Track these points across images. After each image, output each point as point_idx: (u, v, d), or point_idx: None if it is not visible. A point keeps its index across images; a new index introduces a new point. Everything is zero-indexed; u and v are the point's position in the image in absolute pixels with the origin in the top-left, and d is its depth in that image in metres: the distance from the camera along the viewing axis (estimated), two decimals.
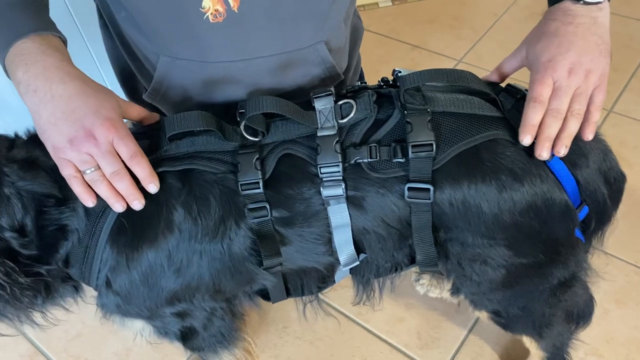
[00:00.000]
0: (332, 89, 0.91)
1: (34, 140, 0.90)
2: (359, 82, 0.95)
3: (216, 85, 1.03)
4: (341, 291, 1.55)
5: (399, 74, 0.91)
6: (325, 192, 0.87)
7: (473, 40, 2.34)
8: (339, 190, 0.87)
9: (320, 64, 1.06)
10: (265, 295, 1.12)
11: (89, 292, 1.03)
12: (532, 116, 0.83)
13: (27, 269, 0.86)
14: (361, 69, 1.35)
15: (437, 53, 2.30)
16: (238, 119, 0.92)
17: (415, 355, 1.43)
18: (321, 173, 0.87)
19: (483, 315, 1.14)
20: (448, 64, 2.23)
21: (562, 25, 0.87)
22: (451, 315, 1.50)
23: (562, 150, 0.84)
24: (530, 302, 1.04)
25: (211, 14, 0.93)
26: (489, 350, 1.43)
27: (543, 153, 0.83)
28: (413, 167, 0.84)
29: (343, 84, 1.17)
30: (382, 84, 0.94)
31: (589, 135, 0.86)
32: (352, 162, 0.86)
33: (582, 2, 0.86)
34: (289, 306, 1.55)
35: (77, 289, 0.99)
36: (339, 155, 0.86)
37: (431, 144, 0.83)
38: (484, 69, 2.09)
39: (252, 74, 1.01)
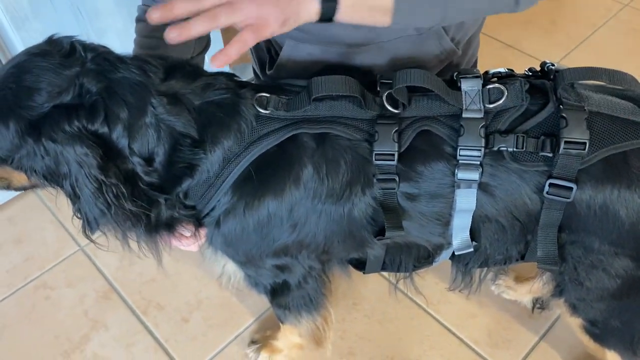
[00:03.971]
0: (479, 71, 0.90)
1: (189, 75, 0.90)
2: (506, 69, 0.93)
3: (356, 54, 1.04)
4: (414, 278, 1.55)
5: (551, 67, 0.90)
6: (460, 175, 0.87)
7: (568, 47, 2.28)
8: (475, 175, 0.86)
9: (437, 44, 1.08)
10: (357, 265, 1.13)
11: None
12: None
13: (143, 194, 0.87)
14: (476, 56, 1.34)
15: (529, 55, 2.25)
16: (378, 89, 0.92)
17: (484, 353, 1.42)
18: (460, 155, 0.86)
19: (576, 322, 1.12)
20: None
21: None
22: (524, 319, 1.48)
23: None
24: (635, 317, 1.02)
25: None
26: None
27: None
28: (560, 164, 0.83)
29: (462, 60, 1.18)
30: (529, 73, 0.93)
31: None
32: (496, 148, 0.85)
33: None
34: (360, 284, 1.56)
35: (196, 219, 0.98)
36: (483, 139, 0.85)
37: (584, 143, 0.82)
38: None
39: (374, 50, 1.02)
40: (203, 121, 0.88)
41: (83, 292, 1.60)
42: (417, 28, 1.05)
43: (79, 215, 0.88)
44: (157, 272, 1.63)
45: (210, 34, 1.20)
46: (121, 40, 1.72)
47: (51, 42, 0.86)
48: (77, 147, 0.79)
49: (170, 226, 0.94)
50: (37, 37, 0.91)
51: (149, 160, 0.86)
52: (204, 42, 1.17)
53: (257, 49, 1.27)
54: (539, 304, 1.45)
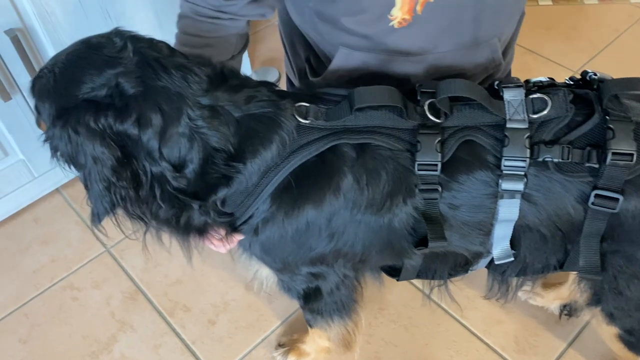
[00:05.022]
0: (522, 81, 0.90)
1: (233, 86, 0.90)
2: (547, 78, 0.94)
3: (392, 64, 1.05)
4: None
5: (593, 77, 0.90)
6: (504, 185, 0.87)
7: (591, 53, 2.28)
8: (520, 185, 0.87)
9: (489, 55, 1.07)
10: (390, 272, 1.14)
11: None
12: None
13: (174, 197, 0.89)
14: None
15: (552, 61, 2.25)
16: (418, 98, 0.92)
17: (511, 359, 1.43)
18: (504, 165, 0.86)
19: (613, 331, 1.12)
20: (563, 74, 2.18)
21: None
22: (551, 326, 1.48)
23: None
24: None
25: (398, 22, 0.97)
26: None
27: None
28: (606, 175, 0.83)
29: (500, 67, 1.19)
30: (571, 82, 0.93)
31: None
32: (541, 159, 0.86)
33: None
34: (386, 289, 1.56)
35: (231, 225, 0.99)
36: (528, 150, 0.85)
37: (632, 154, 0.82)
38: None
39: (428, 60, 1.04)
40: (243, 134, 0.88)
41: (109, 293, 1.61)
42: (475, 37, 1.06)
43: (88, 204, 0.90)
44: (184, 274, 1.64)
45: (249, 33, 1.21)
46: None
47: (113, 34, 0.88)
48: (97, 144, 0.81)
49: (202, 230, 0.95)
50: (67, 41, 0.92)
51: (179, 166, 0.87)
52: (244, 39, 1.18)
53: (295, 57, 1.28)
54: (567, 311, 1.45)
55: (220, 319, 1.54)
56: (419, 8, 0.99)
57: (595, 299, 1.04)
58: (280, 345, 1.46)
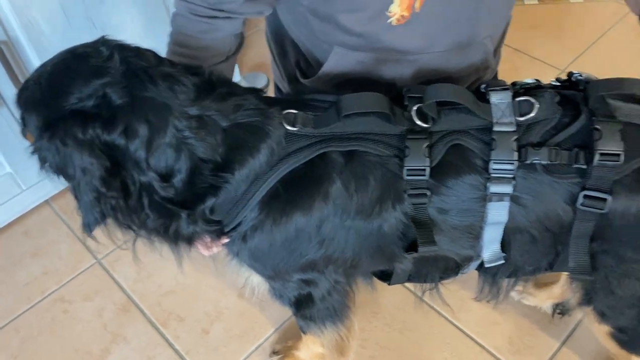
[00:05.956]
0: (508, 83, 0.90)
1: (221, 95, 0.89)
2: (533, 80, 0.94)
3: (384, 65, 1.05)
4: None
5: (579, 77, 0.90)
6: (492, 188, 0.87)
7: (577, 51, 2.29)
8: (508, 188, 0.87)
9: (482, 55, 1.07)
10: (381, 276, 1.13)
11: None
12: None
13: (162, 206, 0.88)
14: None
15: (539, 60, 2.26)
16: (406, 103, 0.92)
17: None
18: (492, 169, 0.86)
19: (603, 330, 1.13)
20: (550, 73, 2.20)
21: None
22: (544, 325, 1.48)
23: None
24: None
25: (396, 19, 0.97)
26: None
27: None
28: (594, 176, 0.83)
29: (488, 70, 1.20)
30: (557, 84, 0.93)
31: None
32: (529, 162, 0.86)
33: None
34: (379, 293, 1.56)
35: (218, 233, 0.99)
36: (515, 153, 0.85)
37: (619, 155, 0.82)
38: None
39: (424, 59, 1.03)
40: (231, 143, 0.88)
41: (101, 305, 1.60)
42: (470, 36, 1.06)
43: (79, 214, 0.89)
44: (176, 284, 1.63)
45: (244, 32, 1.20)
46: None
47: (99, 43, 0.87)
48: (85, 155, 0.81)
49: (190, 238, 0.95)
50: (52, 51, 0.91)
51: (166, 176, 0.87)
52: (239, 39, 1.17)
53: (283, 60, 1.28)
54: (560, 310, 1.45)
55: (214, 328, 1.53)
56: (417, 5, 0.99)
57: (587, 299, 1.04)
58: (274, 352, 1.45)
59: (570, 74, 0.93)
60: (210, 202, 0.91)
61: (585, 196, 0.85)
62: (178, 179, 0.87)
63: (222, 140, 0.88)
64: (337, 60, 1.09)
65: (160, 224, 0.91)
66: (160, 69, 0.87)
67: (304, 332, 1.29)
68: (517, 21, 2.46)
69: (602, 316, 1.07)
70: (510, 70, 2.21)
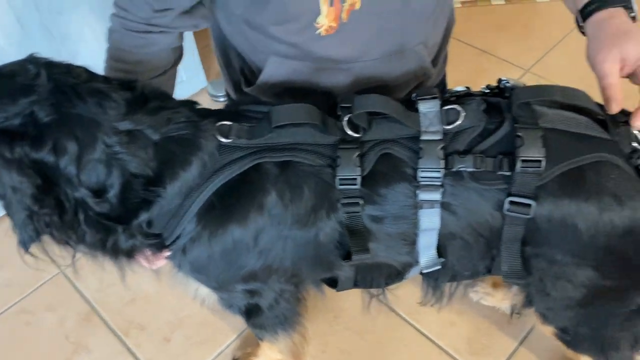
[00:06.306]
0: (438, 92, 0.91)
1: (152, 109, 0.89)
2: (464, 88, 0.95)
3: (322, 73, 1.06)
4: (394, 289, 1.56)
5: (507, 84, 0.91)
6: (421, 196, 0.88)
7: (542, 51, 2.31)
8: (436, 195, 0.88)
9: (417, 62, 1.09)
10: (329, 282, 1.14)
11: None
12: None
13: (97, 222, 0.88)
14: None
15: (505, 60, 2.28)
16: (339, 113, 0.93)
17: None
18: (420, 177, 0.87)
19: (548, 330, 1.14)
20: (515, 73, 2.21)
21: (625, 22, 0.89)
22: (503, 325, 1.50)
23: None
24: (602, 324, 1.04)
25: (325, 29, 0.99)
26: None
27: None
28: (518, 182, 0.84)
29: (431, 76, 1.21)
30: (487, 91, 0.94)
31: None
32: (455, 169, 0.87)
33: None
34: (341, 296, 1.56)
35: (158, 247, 0.99)
36: (442, 161, 0.86)
37: (540, 161, 0.83)
38: (551, 82, 2.06)
39: (357, 68, 1.04)
40: (162, 157, 0.88)
41: (64, 316, 1.60)
42: (401, 44, 1.07)
43: (14, 232, 0.89)
44: (138, 293, 1.63)
45: (184, 44, 1.21)
46: (95, 61, 1.73)
47: (27, 61, 0.86)
48: (14, 174, 0.81)
49: (130, 252, 0.95)
50: (4, 59, 0.91)
51: (100, 191, 0.87)
52: (177, 53, 1.18)
53: (229, 69, 1.29)
54: (517, 310, 1.46)
55: (176, 336, 1.54)
56: (344, 16, 1.00)
57: (528, 301, 1.06)
58: (234, 359, 1.46)
59: (499, 81, 0.94)
60: (143, 216, 0.91)
61: (511, 202, 0.86)
62: (112, 194, 0.88)
63: (153, 155, 0.88)
64: (274, 69, 1.10)
65: (98, 239, 0.92)
66: (90, 85, 0.87)
67: (260, 339, 1.30)
68: (483, 21, 2.50)
69: (544, 317, 1.08)
70: (477, 71, 2.22)
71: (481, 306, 1.52)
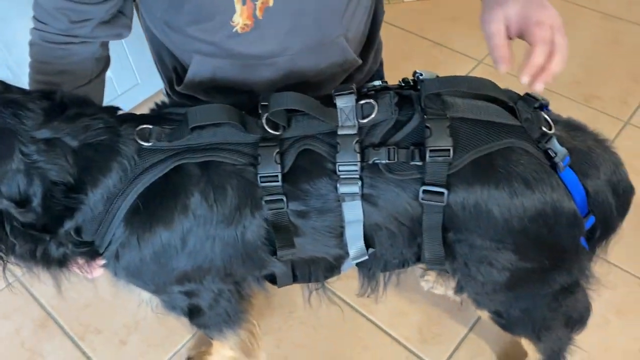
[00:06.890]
0: (354, 87, 0.93)
1: (70, 116, 0.90)
2: (381, 82, 0.97)
3: (247, 69, 1.10)
4: (347, 281, 1.58)
5: (420, 77, 0.94)
6: (341, 189, 0.90)
7: None
8: (355, 188, 0.90)
9: (340, 54, 1.13)
10: (273, 279, 1.16)
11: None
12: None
13: (22, 233, 0.89)
14: (381, 58, 1.38)
15: (459, 52, 2.30)
16: (260, 112, 0.94)
17: (415, 349, 1.47)
18: (339, 170, 0.89)
19: (484, 315, 1.17)
20: (469, 64, 2.24)
21: None
22: (453, 313, 1.53)
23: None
24: (531, 305, 1.07)
25: (240, 27, 1.01)
26: (488, 350, 1.46)
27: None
28: (429, 171, 0.87)
29: (363, 67, 1.23)
30: (402, 84, 0.96)
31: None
32: (371, 162, 0.89)
33: None
34: (296, 292, 1.58)
35: (91, 255, 1.00)
36: (358, 154, 0.88)
37: (448, 150, 0.85)
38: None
39: (281, 62, 1.07)
40: (81, 164, 0.89)
41: (20, 323, 1.60)
42: (320, 38, 1.10)
43: None
44: (94, 297, 1.63)
45: (110, 53, 1.22)
46: None
47: None
48: None
49: (62, 261, 0.96)
50: None
51: (23, 201, 0.87)
52: (102, 63, 1.19)
53: (163, 67, 1.30)
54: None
55: (132, 339, 1.54)
56: (258, 13, 1.03)
57: (460, 287, 1.08)
58: (189, 358, 1.48)
59: (414, 74, 0.96)
60: (69, 224, 0.92)
61: (424, 191, 0.88)
62: (35, 204, 0.88)
63: (73, 162, 0.89)
64: (198, 68, 1.12)
65: (27, 250, 0.92)
66: (4, 97, 0.88)
67: (211, 338, 1.31)
68: (436, 13, 2.52)
69: (476, 302, 1.11)
70: (430, 64, 2.25)
71: (432, 295, 1.55)
